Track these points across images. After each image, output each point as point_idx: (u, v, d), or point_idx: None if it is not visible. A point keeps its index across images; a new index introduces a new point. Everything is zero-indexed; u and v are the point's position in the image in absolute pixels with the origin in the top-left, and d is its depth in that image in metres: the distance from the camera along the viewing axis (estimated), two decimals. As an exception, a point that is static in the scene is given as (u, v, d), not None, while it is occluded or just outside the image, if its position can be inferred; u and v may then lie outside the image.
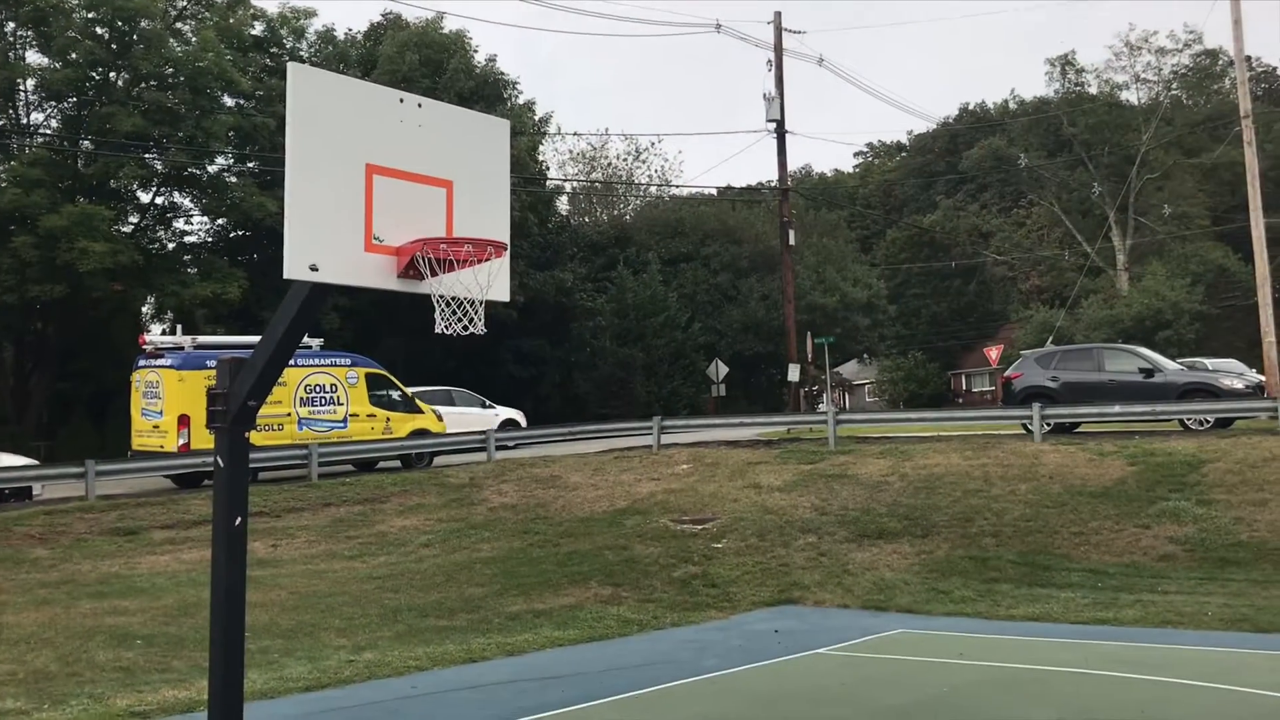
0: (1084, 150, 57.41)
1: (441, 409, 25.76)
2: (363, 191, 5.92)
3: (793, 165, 49.72)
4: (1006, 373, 23.64)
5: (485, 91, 40.14)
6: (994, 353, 42.77)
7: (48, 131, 33.79)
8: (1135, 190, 56.38)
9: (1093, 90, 59.39)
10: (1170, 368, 21.81)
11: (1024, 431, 20.50)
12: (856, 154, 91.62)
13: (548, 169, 49.02)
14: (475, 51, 41.72)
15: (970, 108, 78.04)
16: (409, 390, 24.99)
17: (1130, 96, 59.16)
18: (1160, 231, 56.30)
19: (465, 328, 6.15)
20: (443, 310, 6.13)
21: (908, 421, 26.35)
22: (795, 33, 54.17)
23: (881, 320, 60.37)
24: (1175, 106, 59.43)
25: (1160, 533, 14.87)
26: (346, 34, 43.62)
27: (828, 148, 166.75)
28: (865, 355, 67.71)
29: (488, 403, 29.64)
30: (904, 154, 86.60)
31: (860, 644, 11.15)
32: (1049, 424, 20.04)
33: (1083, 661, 9.91)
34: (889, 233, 71.78)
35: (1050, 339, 35.07)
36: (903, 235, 69.55)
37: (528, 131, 42.09)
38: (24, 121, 33.54)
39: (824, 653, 10.77)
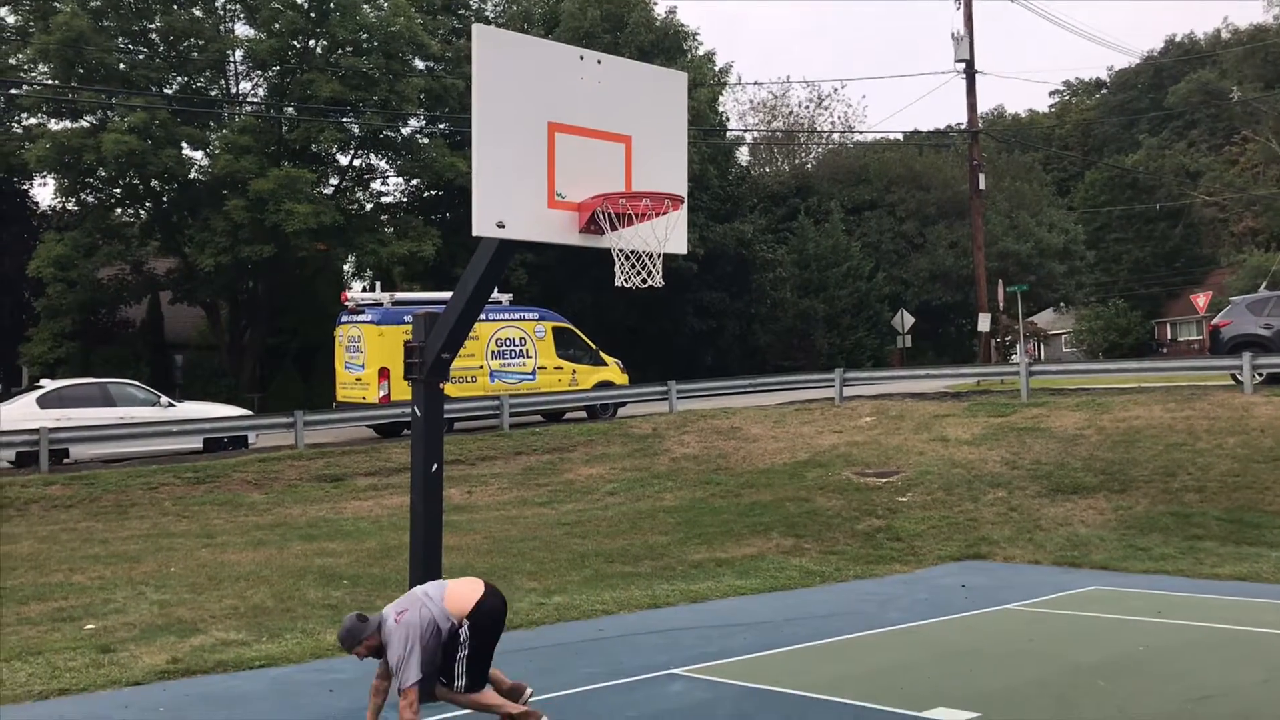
0: (1307, 80, 53.22)
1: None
2: (545, 149, 6.07)
3: (983, 106, 47.87)
4: (1214, 320, 22.34)
5: (665, 44, 40.07)
6: (1202, 300, 40.36)
7: (255, 100, 35.66)
8: (1365, 121, 52.01)
9: (1318, 13, 54.90)
10: (1403, 313, 20.16)
11: (1233, 382, 19.39)
12: (1052, 93, 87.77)
13: (727, 120, 48.67)
14: (655, 4, 41.67)
15: (1177, 39, 73.45)
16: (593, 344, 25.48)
17: (1361, 18, 54.47)
18: (1394, 165, 51.83)
19: (644, 280, 6.26)
20: (622, 264, 6.25)
21: (1106, 372, 25.21)
22: (985, -32, 51.97)
23: (1079, 267, 57.70)
24: None
25: (1387, 491, 13.85)
26: (530, -8, 44.18)
27: (1021, 87, 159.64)
28: (1061, 304, 64.94)
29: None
30: (1104, 91, 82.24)
31: (1052, 600, 10.85)
32: (1261, 374, 18.89)
33: (1295, 624, 9.39)
34: (1087, 174, 68.51)
35: (1265, 284, 32.87)
36: (1102, 177, 66.26)
37: (707, 83, 41.83)
38: (233, 91, 35.49)
39: (1013, 608, 10.53)
